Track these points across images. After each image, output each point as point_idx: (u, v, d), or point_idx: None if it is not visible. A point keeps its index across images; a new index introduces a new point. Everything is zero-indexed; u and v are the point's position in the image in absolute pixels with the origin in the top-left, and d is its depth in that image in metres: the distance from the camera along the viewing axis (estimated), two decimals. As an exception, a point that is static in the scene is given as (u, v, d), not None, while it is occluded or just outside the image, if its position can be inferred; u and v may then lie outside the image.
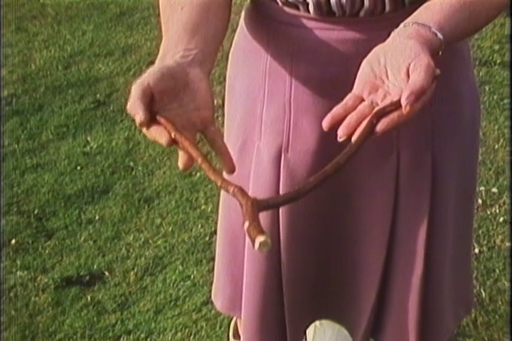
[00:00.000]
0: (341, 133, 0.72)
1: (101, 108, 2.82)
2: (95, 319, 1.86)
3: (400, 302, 1.12)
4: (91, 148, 2.59)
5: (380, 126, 0.71)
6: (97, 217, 2.24)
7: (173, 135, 0.72)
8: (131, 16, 3.58)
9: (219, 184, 0.69)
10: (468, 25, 0.84)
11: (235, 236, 1.17)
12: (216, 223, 2.20)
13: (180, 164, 0.72)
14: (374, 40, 0.80)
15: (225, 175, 1.14)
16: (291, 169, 1.04)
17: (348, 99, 0.75)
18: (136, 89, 0.72)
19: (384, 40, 0.79)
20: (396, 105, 0.72)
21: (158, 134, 0.72)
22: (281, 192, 1.04)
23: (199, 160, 0.71)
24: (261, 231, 0.59)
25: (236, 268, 1.19)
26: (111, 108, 2.82)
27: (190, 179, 2.41)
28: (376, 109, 0.73)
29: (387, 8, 0.92)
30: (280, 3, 0.96)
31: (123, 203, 2.30)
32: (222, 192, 1.20)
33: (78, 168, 2.48)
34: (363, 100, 0.75)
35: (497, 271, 1.91)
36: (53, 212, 2.26)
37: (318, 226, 1.08)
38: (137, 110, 0.71)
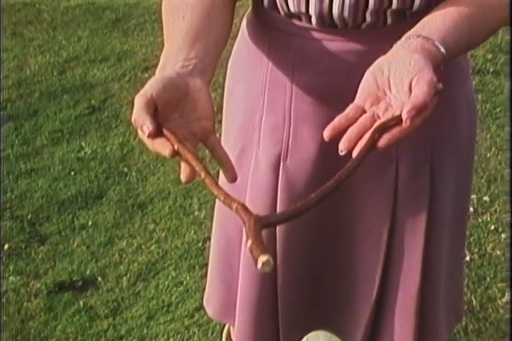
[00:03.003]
0: (342, 147, 0.72)
1: (95, 114, 2.83)
2: (87, 324, 1.86)
3: (396, 312, 1.12)
4: (85, 153, 2.59)
5: (381, 142, 0.71)
6: (90, 223, 2.24)
7: (176, 147, 0.71)
8: (127, 22, 3.60)
9: (222, 199, 0.68)
10: (470, 38, 0.84)
11: (229, 242, 1.17)
12: (209, 229, 2.21)
13: (183, 177, 0.72)
14: (376, 51, 0.81)
15: (224, 181, 1.14)
16: (289, 177, 1.04)
17: (350, 110, 0.75)
18: (139, 101, 0.72)
19: (386, 51, 0.79)
20: (398, 119, 0.72)
21: (161, 146, 0.71)
22: (278, 200, 1.05)
23: (202, 175, 0.71)
24: (263, 251, 0.59)
25: (230, 274, 1.19)
26: (105, 114, 2.82)
27: (184, 185, 2.41)
28: (377, 123, 0.73)
29: (389, 20, 0.93)
30: (282, 13, 0.96)
31: (116, 209, 2.30)
32: (218, 200, 1.20)
33: (72, 173, 2.48)
34: (364, 111, 0.75)
35: (488, 278, 1.92)
36: (47, 217, 2.27)
37: (315, 235, 1.09)
38: (144, 121, 0.71)
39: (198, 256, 2.08)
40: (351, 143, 0.72)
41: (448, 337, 1.24)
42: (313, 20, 0.94)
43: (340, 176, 0.70)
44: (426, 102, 0.71)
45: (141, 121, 0.71)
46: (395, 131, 0.72)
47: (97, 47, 3.35)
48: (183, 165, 0.72)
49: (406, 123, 0.70)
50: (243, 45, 1.08)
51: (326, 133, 0.74)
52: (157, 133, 0.72)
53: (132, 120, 0.73)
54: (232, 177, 0.75)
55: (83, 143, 2.65)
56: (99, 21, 3.62)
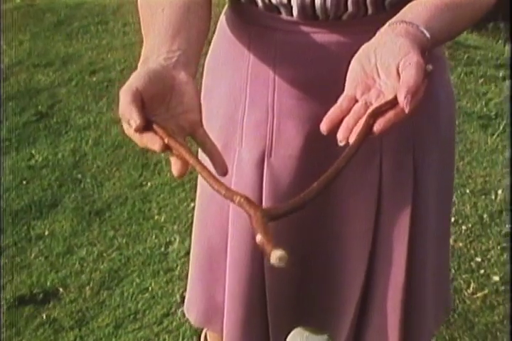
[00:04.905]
0: (341, 137, 0.71)
1: (44, 120, 2.76)
2: (52, 337, 1.80)
3: (382, 306, 1.12)
4: (36, 161, 2.53)
5: (377, 127, 0.71)
6: (46, 232, 2.18)
7: (166, 141, 0.69)
8: (70, 25, 3.52)
9: (223, 193, 0.66)
10: (452, 26, 0.85)
11: (211, 248, 1.14)
12: (171, 233, 2.19)
13: (175, 171, 0.69)
14: (357, 42, 0.80)
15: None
16: (274, 174, 1.02)
17: (342, 101, 0.75)
18: (125, 94, 0.70)
19: (367, 42, 0.78)
20: (391, 103, 0.71)
21: (150, 140, 0.69)
22: (264, 197, 1.03)
23: (198, 168, 0.68)
24: (276, 245, 0.57)
25: (211, 280, 1.17)
26: (54, 119, 2.76)
27: (142, 189, 2.37)
28: (371, 108, 0.72)
29: (370, 11, 0.93)
30: (261, 6, 0.95)
31: (73, 217, 2.25)
32: (198, 203, 1.17)
33: (24, 182, 2.41)
34: (356, 101, 0.75)
35: (452, 270, 1.95)
36: (1, 229, 2.19)
37: (301, 230, 1.07)
38: (131, 115, 0.68)
39: (162, 261, 2.05)
40: (349, 133, 0.71)
41: (436, 330, 1.25)
42: (295, 11, 0.93)
43: (339, 164, 0.69)
44: (418, 85, 0.70)
45: (128, 115, 0.69)
46: (389, 115, 0.71)
47: (40, 51, 3.27)
48: (173, 159, 0.69)
49: (407, 108, 0.69)
50: (222, 41, 1.06)
51: (324, 127, 0.73)
52: (145, 127, 0.70)
53: (119, 114, 0.70)
54: (223, 171, 0.73)
55: (33, 151, 2.58)
56: (41, 24, 3.53)
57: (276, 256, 0.56)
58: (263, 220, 0.61)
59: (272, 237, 0.58)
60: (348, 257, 1.11)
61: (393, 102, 0.71)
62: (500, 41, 3.94)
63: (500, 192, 2.27)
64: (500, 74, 3.17)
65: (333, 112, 0.74)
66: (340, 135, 0.72)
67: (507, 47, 3.75)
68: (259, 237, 0.59)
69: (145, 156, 2.51)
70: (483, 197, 2.25)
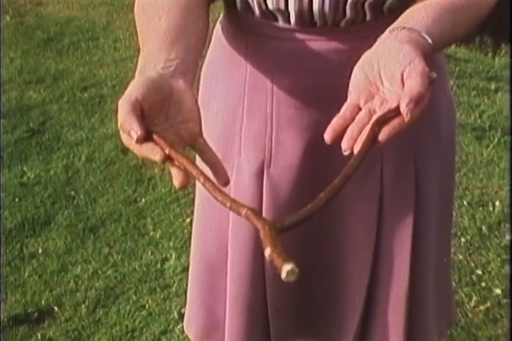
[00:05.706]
0: (346, 147, 0.70)
1: (35, 137, 2.73)
2: (48, 357, 1.77)
3: (384, 318, 1.10)
4: (28, 178, 2.50)
5: (382, 136, 0.69)
6: (40, 250, 2.14)
7: (167, 151, 0.68)
8: (60, 42, 3.51)
9: (228, 205, 0.64)
10: (452, 31, 0.84)
11: (211, 263, 1.12)
12: (166, 249, 2.16)
13: (176, 183, 0.67)
14: (355, 50, 0.79)
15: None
16: (274, 184, 1.01)
17: (346, 110, 0.73)
18: (124, 105, 0.68)
19: (366, 49, 0.77)
20: (396, 111, 0.70)
21: (151, 151, 0.68)
22: (264, 208, 1.02)
23: (201, 179, 0.66)
24: (286, 259, 0.55)
25: (210, 295, 1.15)
26: (46, 136, 2.73)
27: (136, 205, 2.35)
28: (376, 116, 0.71)
29: (368, 16, 0.92)
30: (258, 14, 0.93)
31: (67, 234, 2.22)
32: (197, 216, 1.15)
33: (16, 200, 2.38)
34: (360, 109, 0.73)
35: (453, 283, 1.92)
36: (-7, 247, 2.16)
37: (303, 241, 1.06)
38: (131, 125, 0.67)
39: (158, 278, 2.02)
40: (354, 142, 0.70)
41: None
42: (292, 18, 0.92)
43: (345, 173, 0.67)
44: (422, 93, 0.69)
45: (128, 125, 0.67)
46: (394, 124, 0.70)
47: (31, 68, 3.25)
48: (174, 171, 0.68)
49: (406, 117, 0.69)
50: (218, 50, 1.05)
51: (328, 136, 0.71)
52: (145, 137, 0.68)
53: (119, 125, 0.69)
54: (225, 181, 0.71)
55: (25, 168, 2.55)
56: (31, 41, 3.52)
57: (286, 270, 0.55)
58: (272, 233, 0.59)
59: (281, 251, 0.56)
60: (350, 268, 1.09)
61: (397, 110, 0.70)
62: (489, 54, 3.97)
63: (497, 203, 2.26)
64: (492, 87, 3.18)
65: (336, 121, 0.72)
66: (344, 144, 0.70)
67: (496, 60, 3.77)
68: (268, 251, 0.57)
69: (139, 172, 2.49)
70: (481, 208, 2.24)
